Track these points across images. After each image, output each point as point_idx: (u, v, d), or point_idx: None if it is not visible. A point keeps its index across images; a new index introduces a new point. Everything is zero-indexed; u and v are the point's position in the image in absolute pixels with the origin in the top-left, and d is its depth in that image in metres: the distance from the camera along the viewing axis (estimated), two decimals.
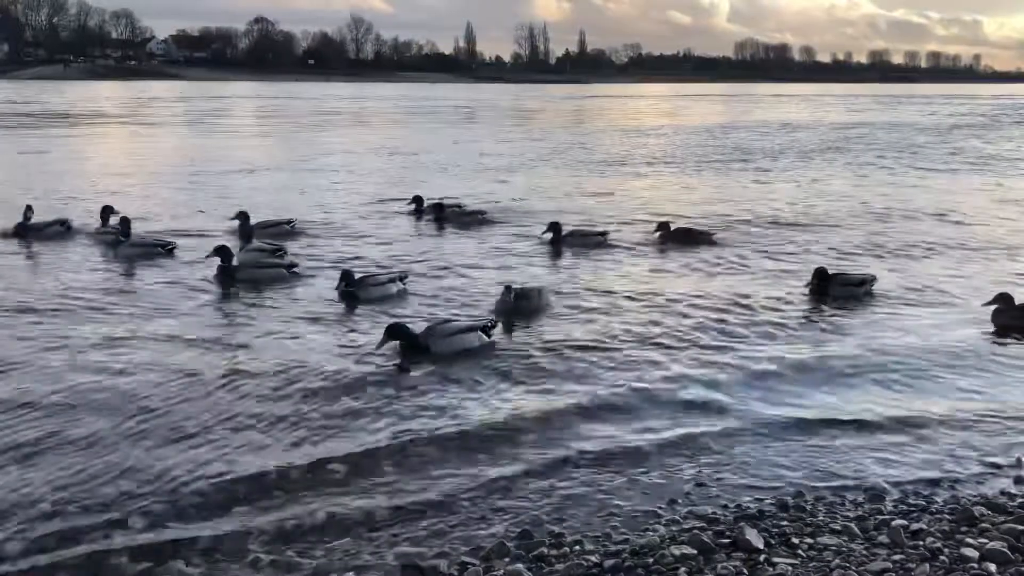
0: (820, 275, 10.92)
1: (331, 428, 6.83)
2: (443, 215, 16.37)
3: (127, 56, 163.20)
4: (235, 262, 11.77)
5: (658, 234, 14.13)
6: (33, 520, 5.37)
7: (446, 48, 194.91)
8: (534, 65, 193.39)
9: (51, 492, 5.70)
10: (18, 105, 60.23)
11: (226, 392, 7.53)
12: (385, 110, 64.74)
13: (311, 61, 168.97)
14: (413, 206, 17.15)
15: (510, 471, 6.11)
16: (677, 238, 13.93)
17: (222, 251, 11.71)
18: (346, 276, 10.79)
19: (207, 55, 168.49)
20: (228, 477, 5.98)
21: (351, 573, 4.89)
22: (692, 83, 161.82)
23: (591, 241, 13.96)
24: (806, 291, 10.97)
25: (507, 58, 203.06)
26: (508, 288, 10.08)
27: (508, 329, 9.50)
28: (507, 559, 5.01)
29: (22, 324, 9.50)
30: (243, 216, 14.65)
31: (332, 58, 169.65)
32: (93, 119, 48.68)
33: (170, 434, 6.65)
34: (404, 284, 11.08)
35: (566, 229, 14.20)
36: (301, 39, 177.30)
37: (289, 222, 14.96)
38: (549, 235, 14.11)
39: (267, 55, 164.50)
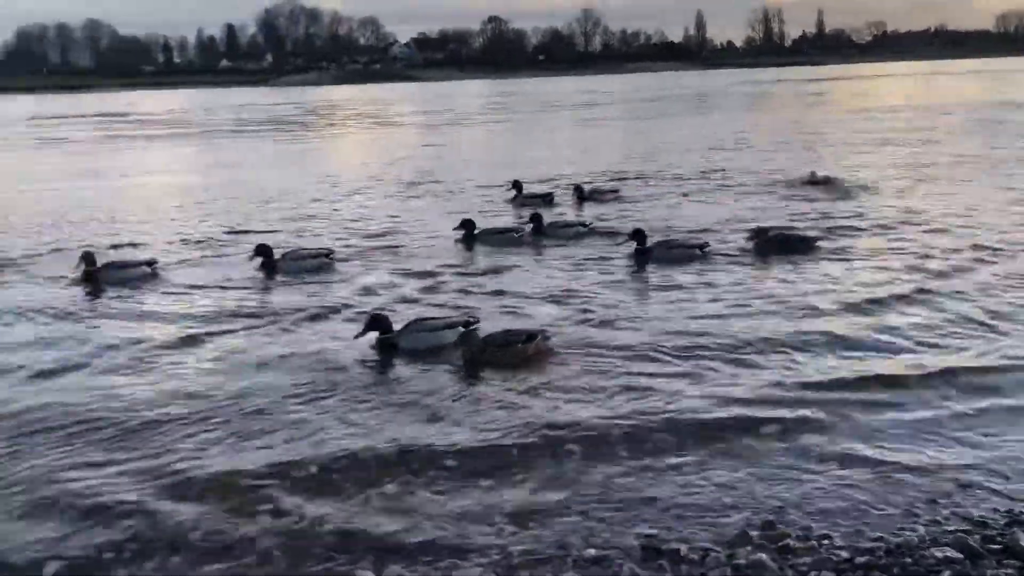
0: None
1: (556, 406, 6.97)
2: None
3: (373, 60, 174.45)
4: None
5: (753, 242, 12.38)
6: None
7: (675, 37, 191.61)
8: (768, 48, 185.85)
9: None
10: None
11: None
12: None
13: (541, 57, 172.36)
14: (514, 192, 17.58)
15: (753, 462, 5.96)
16: (773, 245, 12.26)
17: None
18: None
19: (444, 56, 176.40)
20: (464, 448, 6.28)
21: (592, 550, 4.96)
22: (946, 60, 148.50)
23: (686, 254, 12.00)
24: None
25: (739, 43, 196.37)
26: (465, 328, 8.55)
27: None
28: (750, 547, 4.89)
29: None
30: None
31: (561, 53, 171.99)
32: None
33: None
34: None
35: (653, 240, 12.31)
36: (532, 36, 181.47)
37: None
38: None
39: (500, 53, 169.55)
